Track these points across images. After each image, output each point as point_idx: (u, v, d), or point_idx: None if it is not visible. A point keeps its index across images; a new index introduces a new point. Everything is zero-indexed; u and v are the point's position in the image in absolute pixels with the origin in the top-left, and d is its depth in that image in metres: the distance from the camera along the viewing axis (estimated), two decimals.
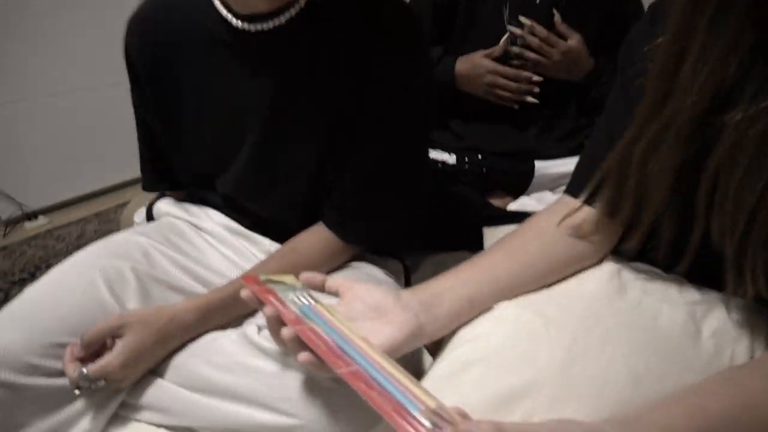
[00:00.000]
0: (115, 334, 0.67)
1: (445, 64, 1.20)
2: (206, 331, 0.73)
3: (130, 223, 1.10)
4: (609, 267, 0.61)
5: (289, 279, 0.64)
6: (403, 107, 0.76)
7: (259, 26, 0.73)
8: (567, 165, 1.17)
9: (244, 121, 0.79)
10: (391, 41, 0.74)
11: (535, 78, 1.16)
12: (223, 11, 0.74)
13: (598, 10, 1.18)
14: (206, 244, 0.87)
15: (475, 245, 1.03)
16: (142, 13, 0.82)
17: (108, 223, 1.91)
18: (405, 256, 0.96)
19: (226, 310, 0.74)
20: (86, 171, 2.02)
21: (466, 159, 1.21)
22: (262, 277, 0.63)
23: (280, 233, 0.84)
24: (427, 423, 0.41)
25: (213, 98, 0.80)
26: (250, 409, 0.64)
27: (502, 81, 1.16)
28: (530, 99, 1.17)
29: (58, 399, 0.66)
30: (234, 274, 0.80)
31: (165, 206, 0.92)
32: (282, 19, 0.73)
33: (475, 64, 1.17)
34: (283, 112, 0.77)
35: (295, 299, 0.60)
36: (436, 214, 0.90)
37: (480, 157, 1.21)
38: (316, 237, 0.80)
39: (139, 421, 0.71)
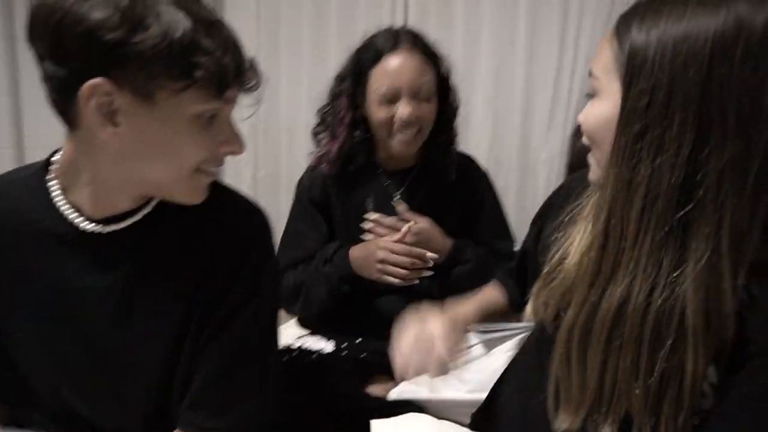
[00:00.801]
0: None
1: (339, 256, 1.30)
2: None
3: None
4: None
5: None
6: (254, 301, 0.79)
7: (113, 227, 0.75)
8: None
9: (84, 321, 0.76)
10: (240, 239, 0.79)
11: (429, 254, 1.26)
12: (71, 214, 0.74)
13: (455, 203, 1.37)
14: None
15: None
16: None
17: None
18: None
19: None
20: None
21: (344, 345, 1.28)
22: None
23: None
24: None
25: (44, 297, 0.76)
26: None
27: (393, 257, 1.23)
28: (425, 273, 1.28)
29: None
30: None
31: None
32: (137, 216, 0.76)
33: (367, 246, 1.28)
34: (130, 309, 0.76)
35: None
36: (315, 410, 0.94)
37: (359, 341, 1.29)
38: None
39: None
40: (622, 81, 0.63)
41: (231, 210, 0.81)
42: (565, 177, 2.36)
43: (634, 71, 0.61)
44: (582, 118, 0.69)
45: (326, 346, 1.27)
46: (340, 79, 1.32)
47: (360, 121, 1.29)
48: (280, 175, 2.84)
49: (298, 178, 1.45)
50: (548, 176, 2.40)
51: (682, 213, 0.58)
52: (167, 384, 0.78)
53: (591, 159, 0.71)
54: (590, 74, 0.70)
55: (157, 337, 0.77)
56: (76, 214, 0.75)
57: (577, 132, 1.37)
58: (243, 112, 0.76)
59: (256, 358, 0.81)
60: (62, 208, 0.75)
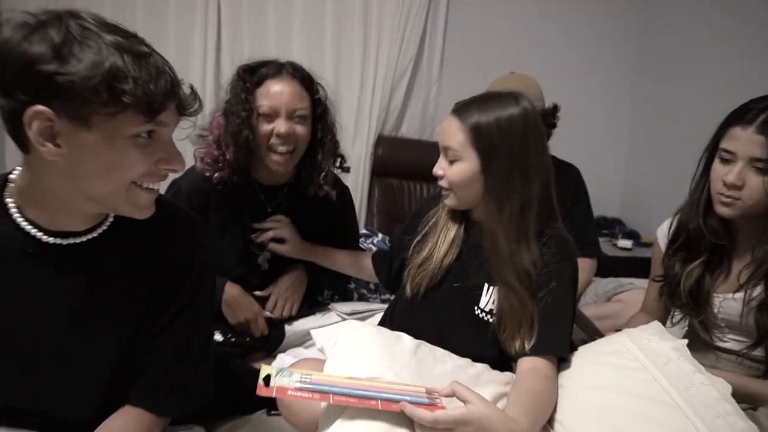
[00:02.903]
0: None
1: (219, 281, 1.48)
2: None
3: None
4: None
5: (271, 369, 0.88)
6: (199, 294, 0.95)
7: (72, 240, 0.86)
8: (308, 323, 1.57)
9: (43, 324, 0.86)
10: (185, 252, 0.93)
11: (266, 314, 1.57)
12: (29, 228, 0.84)
13: (321, 211, 1.61)
14: None
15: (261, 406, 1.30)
16: None
17: None
18: (205, 423, 1.11)
19: None
20: None
21: (230, 334, 1.51)
22: (266, 382, 0.86)
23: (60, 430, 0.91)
24: (427, 399, 0.85)
25: (4, 306, 0.85)
26: None
27: (254, 326, 1.53)
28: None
29: None
30: None
31: None
32: (95, 233, 0.87)
33: (246, 301, 1.53)
34: (88, 312, 0.87)
35: (297, 382, 0.85)
36: (222, 387, 1.07)
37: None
38: (127, 419, 0.91)
39: None
40: (477, 149, 1.09)
41: (176, 226, 0.94)
42: (369, 182, 2.84)
43: (482, 141, 1.08)
44: (446, 174, 1.14)
45: (217, 336, 1.46)
46: (238, 89, 1.45)
47: (251, 139, 1.43)
48: None
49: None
50: (355, 181, 2.80)
51: (512, 226, 1.09)
52: (117, 376, 0.90)
53: (451, 195, 1.17)
54: (447, 148, 1.13)
55: (110, 337, 0.89)
56: (35, 230, 0.83)
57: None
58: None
59: (199, 348, 0.97)
60: (22, 224, 0.83)
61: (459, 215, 1.22)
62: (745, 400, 1.07)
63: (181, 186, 1.50)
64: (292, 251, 1.55)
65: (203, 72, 2.72)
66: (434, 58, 2.93)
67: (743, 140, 1.10)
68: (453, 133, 1.11)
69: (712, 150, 1.19)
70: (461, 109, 1.12)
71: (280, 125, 1.41)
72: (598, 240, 2.08)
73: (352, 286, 1.87)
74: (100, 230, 0.88)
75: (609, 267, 2.22)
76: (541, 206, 1.10)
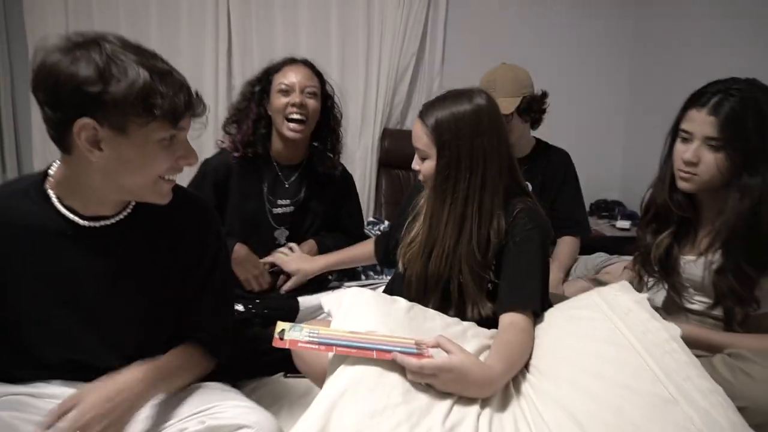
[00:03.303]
0: (74, 404, 0.93)
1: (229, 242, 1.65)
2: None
3: None
4: None
5: (285, 325, 1.06)
6: (221, 255, 1.19)
7: (104, 223, 1.06)
8: (320, 298, 1.70)
9: (80, 293, 1.05)
10: (201, 226, 1.16)
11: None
12: (68, 214, 1.03)
13: (329, 192, 1.90)
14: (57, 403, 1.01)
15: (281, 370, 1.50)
16: None
17: None
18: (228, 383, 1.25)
19: (170, 380, 1.06)
20: None
21: (250, 306, 1.71)
22: (284, 335, 1.04)
23: None
24: (415, 350, 1.01)
25: (51, 279, 1.04)
26: None
27: (261, 279, 1.79)
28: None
29: None
30: None
31: None
32: (123, 214, 1.07)
33: (253, 259, 1.78)
34: (118, 278, 1.08)
35: (307, 335, 1.03)
36: (243, 350, 1.27)
37: (257, 301, 1.74)
38: (187, 348, 1.13)
39: None
40: (437, 147, 1.23)
41: (191, 206, 1.15)
42: (376, 173, 3.01)
43: (439, 138, 1.22)
44: (420, 169, 1.30)
45: (238, 307, 1.65)
46: (251, 84, 1.81)
47: (263, 117, 1.77)
48: None
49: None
50: (362, 172, 2.97)
51: (469, 207, 1.23)
52: (145, 332, 1.11)
53: (425, 185, 1.32)
54: (417, 148, 1.29)
55: (136, 299, 1.09)
56: (72, 215, 1.03)
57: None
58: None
59: (227, 300, 1.24)
60: (61, 210, 1.03)
61: None
62: (705, 348, 1.22)
63: (210, 161, 1.82)
64: (307, 275, 1.78)
65: (216, 78, 2.92)
66: (435, 52, 3.08)
67: (698, 121, 1.24)
68: (419, 136, 1.27)
69: (675, 131, 1.33)
70: (424, 111, 1.28)
71: (295, 96, 1.73)
72: (586, 220, 2.23)
73: (359, 268, 2.04)
74: (124, 213, 1.08)
75: (606, 246, 2.35)
76: (506, 186, 1.26)
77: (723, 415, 0.93)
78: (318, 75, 1.81)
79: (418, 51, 3.02)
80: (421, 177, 1.32)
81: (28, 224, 1.03)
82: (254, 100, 1.78)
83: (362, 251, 1.77)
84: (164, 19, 2.91)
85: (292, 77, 1.75)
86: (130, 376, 1.00)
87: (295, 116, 1.73)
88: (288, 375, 1.45)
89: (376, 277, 2.06)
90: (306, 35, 2.95)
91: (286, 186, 1.84)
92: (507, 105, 1.90)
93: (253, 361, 1.42)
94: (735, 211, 1.21)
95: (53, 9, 2.87)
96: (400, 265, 1.38)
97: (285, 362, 1.39)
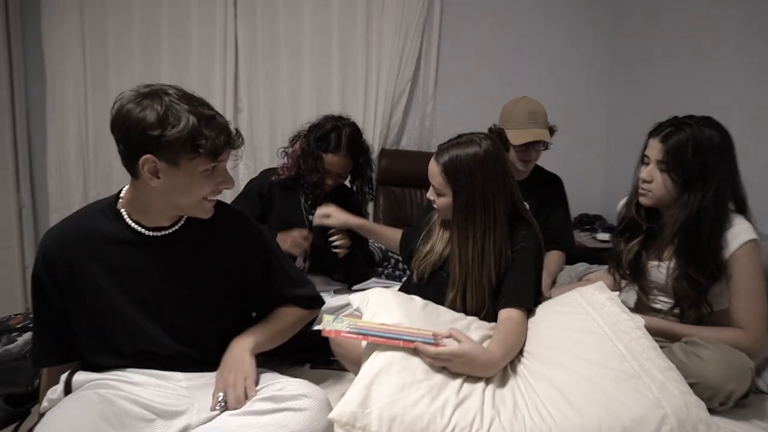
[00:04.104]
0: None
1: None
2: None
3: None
4: None
5: (329, 317, 1.32)
6: (266, 242, 1.50)
7: (163, 232, 1.34)
8: (341, 299, 1.98)
9: (147, 290, 1.32)
10: (242, 229, 1.44)
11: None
12: (135, 227, 1.31)
13: (352, 200, 2.28)
14: (138, 387, 1.29)
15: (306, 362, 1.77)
16: (57, 234, 1.32)
17: None
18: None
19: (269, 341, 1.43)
20: None
21: None
22: (328, 326, 1.30)
23: (183, 367, 1.36)
24: (432, 340, 1.28)
25: (123, 280, 1.30)
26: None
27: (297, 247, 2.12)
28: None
29: None
30: (168, 400, 1.28)
31: (83, 376, 1.32)
32: (177, 225, 1.35)
33: (290, 233, 2.09)
34: (177, 277, 1.34)
35: (347, 327, 1.28)
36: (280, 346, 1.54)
37: None
38: (289, 307, 1.52)
39: None
40: (451, 186, 1.52)
41: (228, 217, 1.42)
42: (375, 191, 3.28)
43: (454, 181, 1.51)
44: (436, 201, 1.58)
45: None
46: (306, 138, 2.16)
47: (314, 170, 2.13)
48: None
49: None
50: None
51: (487, 242, 1.50)
52: (198, 321, 1.36)
53: (441, 214, 1.61)
54: (432, 185, 1.56)
55: (189, 294, 1.35)
56: (139, 227, 1.31)
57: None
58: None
59: (290, 269, 1.53)
60: (131, 224, 1.31)
61: None
62: (666, 337, 1.50)
63: (255, 179, 2.28)
64: (348, 223, 2.08)
65: (224, 101, 3.21)
66: (429, 78, 3.39)
67: (652, 147, 1.56)
68: (434, 174, 1.56)
69: (641, 156, 1.63)
70: (439, 153, 1.55)
71: (333, 180, 2.17)
72: (572, 239, 2.56)
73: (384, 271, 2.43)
74: (179, 225, 1.35)
75: (591, 256, 2.65)
76: (511, 211, 1.55)
77: (675, 386, 1.21)
78: (355, 155, 2.16)
79: (412, 77, 3.33)
80: (436, 206, 1.59)
81: (105, 236, 1.31)
82: (310, 156, 2.13)
83: (391, 235, 2.04)
84: (175, 49, 3.20)
85: (335, 166, 2.11)
86: (239, 348, 1.34)
87: (331, 184, 2.17)
88: (313, 366, 1.70)
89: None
90: (309, 64, 3.25)
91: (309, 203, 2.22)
92: (546, 135, 2.21)
93: (284, 353, 1.65)
94: (678, 222, 1.51)
95: (72, 45, 3.14)
96: (414, 276, 1.64)
97: (309, 354, 1.70)
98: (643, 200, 1.61)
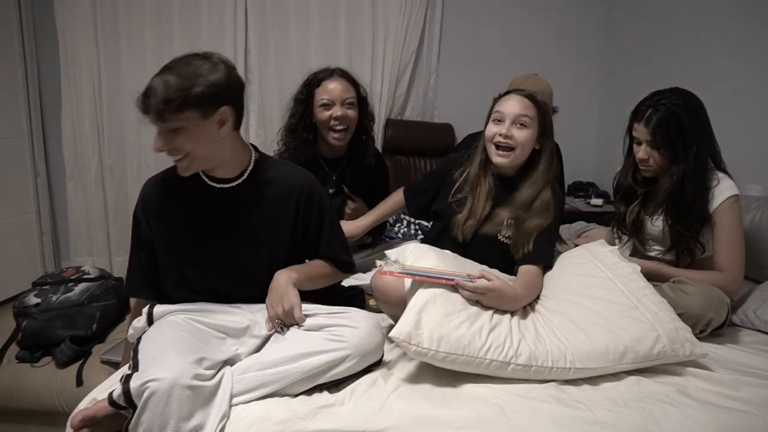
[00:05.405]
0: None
1: None
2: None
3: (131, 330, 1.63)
4: None
5: (381, 261, 1.58)
6: (327, 208, 1.72)
7: (230, 184, 1.59)
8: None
9: (219, 234, 1.58)
10: (307, 186, 1.66)
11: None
12: (209, 181, 1.58)
13: (368, 177, 2.36)
14: (210, 314, 1.54)
15: None
16: (153, 181, 1.63)
17: None
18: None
19: (310, 281, 1.65)
20: None
21: None
22: (383, 266, 1.56)
23: (244, 300, 1.62)
24: (468, 279, 1.58)
25: (196, 227, 1.58)
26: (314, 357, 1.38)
27: None
28: None
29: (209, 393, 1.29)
30: (234, 324, 1.52)
31: (162, 308, 1.55)
32: (242, 178, 1.59)
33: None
34: (243, 223, 1.59)
35: (398, 268, 1.54)
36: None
37: None
38: (321, 262, 1.74)
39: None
40: (538, 122, 1.83)
41: (295, 171, 1.68)
42: None
43: (540, 117, 1.83)
44: (518, 137, 1.80)
45: None
46: (297, 100, 2.21)
47: (309, 128, 2.18)
48: (125, 165, 3.49)
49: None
50: None
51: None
52: (261, 265, 1.60)
53: (510, 154, 1.82)
54: (519, 115, 1.80)
55: (262, 239, 1.60)
56: (211, 181, 1.58)
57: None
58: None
59: (339, 233, 1.78)
60: (205, 179, 1.57)
61: (485, 174, 1.90)
62: (658, 279, 1.83)
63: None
64: (355, 238, 2.24)
65: None
66: (432, 50, 3.66)
67: (639, 131, 1.88)
68: (526, 107, 1.81)
69: (630, 137, 1.95)
70: (521, 91, 1.87)
71: (336, 110, 2.13)
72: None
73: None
74: (243, 177, 1.59)
75: (584, 220, 2.97)
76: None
77: (666, 315, 1.54)
78: (353, 83, 2.19)
79: (417, 49, 3.58)
80: (511, 142, 1.81)
81: (181, 190, 1.58)
82: (300, 115, 2.18)
83: (394, 204, 2.22)
84: (185, 20, 3.40)
85: (332, 92, 2.12)
86: (284, 279, 1.57)
87: (338, 127, 2.14)
88: None
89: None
90: (317, 36, 3.49)
91: (334, 178, 2.30)
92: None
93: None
94: (668, 187, 1.85)
95: (84, 14, 3.31)
96: (459, 237, 1.88)
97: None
98: (646, 174, 1.94)
